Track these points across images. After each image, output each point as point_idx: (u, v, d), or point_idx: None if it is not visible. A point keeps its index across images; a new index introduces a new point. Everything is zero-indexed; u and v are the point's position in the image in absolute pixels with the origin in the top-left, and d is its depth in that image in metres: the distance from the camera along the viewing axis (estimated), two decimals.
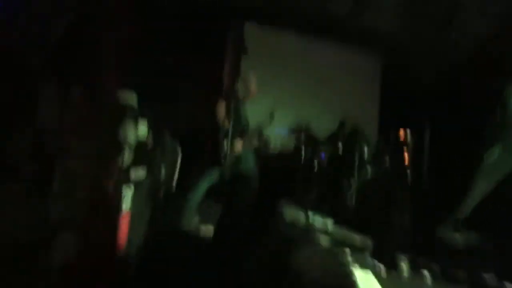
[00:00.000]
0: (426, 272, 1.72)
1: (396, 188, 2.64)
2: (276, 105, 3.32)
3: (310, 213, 2.75)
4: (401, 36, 4.80)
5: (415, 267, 1.80)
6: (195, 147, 2.89)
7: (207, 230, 2.13)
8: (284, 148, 4.25)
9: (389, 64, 5.22)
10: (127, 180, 1.06)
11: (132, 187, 1.12)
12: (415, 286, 1.65)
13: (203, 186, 2.37)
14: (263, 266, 1.37)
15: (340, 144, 3.30)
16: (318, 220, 2.67)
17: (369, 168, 2.90)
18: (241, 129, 2.74)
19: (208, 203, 2.39)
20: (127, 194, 1.09)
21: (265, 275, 1.27)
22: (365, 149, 3.06)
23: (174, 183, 2.34)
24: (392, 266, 1.77)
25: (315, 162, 3.32)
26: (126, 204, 1.08)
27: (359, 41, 5.04)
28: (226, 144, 2.50)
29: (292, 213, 2.84)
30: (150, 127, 1.59)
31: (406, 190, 2.68)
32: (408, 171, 3.25)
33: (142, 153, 1.23)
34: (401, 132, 3.39)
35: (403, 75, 5.06)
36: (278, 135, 4.19)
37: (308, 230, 2.51)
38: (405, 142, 3.23)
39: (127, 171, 1.10)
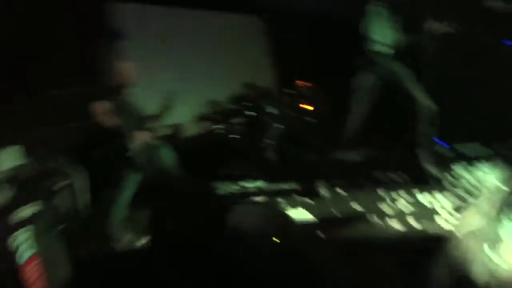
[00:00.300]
0: (340, 190, 2.11)
1: (302, 131, 3.01)
2: (175, 85, 3.15)
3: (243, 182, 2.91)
4: None
5: (331, 188, 2.17)
6: (95, 159, 2.56)
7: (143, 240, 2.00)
8: (200, 127, 4.20)
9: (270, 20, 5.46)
10: (14, 228, 0.87)
11: (24, 230, 0.94)
12: (335, 203, 1.99)
13: (124, 198, 2.15)
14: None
15: (249, 109, 3.46)
16: (250, 184, 2.87)
17: (275, 123, 3.17)
18: (137, 120, 2.49)
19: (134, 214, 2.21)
20: (22, 241, 0.91)
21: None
22: (270, 107, 3.31)
23: (86, 209, 2.05)
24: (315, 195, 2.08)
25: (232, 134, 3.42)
26: (27, 251, 0.91)
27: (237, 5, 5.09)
28: (128, 142, 2.27)
29: (226, 187, 2.96)
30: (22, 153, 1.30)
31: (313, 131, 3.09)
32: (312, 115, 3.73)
33: (21, 187, 1.01)
34: (298, 83, 3.78)
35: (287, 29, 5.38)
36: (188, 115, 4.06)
37: (243, 194, 2.68)
38: (302, 91, 3.65)
39: (8, 215, 0.89)
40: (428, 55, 2.52)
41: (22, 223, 0.95)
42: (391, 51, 1.92)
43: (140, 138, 2.36)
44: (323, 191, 2.13)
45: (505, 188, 1.47)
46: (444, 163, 2.00)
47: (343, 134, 2.07)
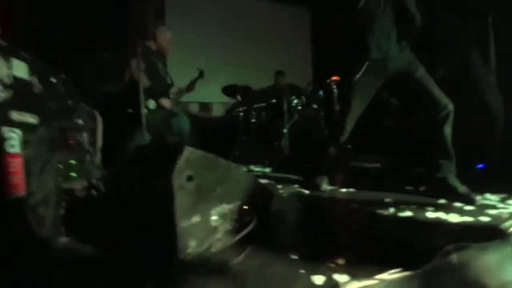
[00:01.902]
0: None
1: (319, 129, 2.89)
2: (208, 64, 3.27)
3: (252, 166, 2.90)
4: None
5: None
6: (114, 109, 2.73)
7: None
8: (223, 110, 4.28)
9: (317, 15, 5.38)
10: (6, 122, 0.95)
11: (18, 131, 1.01)
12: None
13: (134, 144, 2.27)
14: None
15: (272, 98, 3.43)
16: (257, 167, 2.84)
17: (296, 115, 3.10)
18: (164, 87, 2.67)
19: None
20: (11, 137, 0.98)
21: None
22: (294, 99, 3.24)
23: (97, 154, 2.17)
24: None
25: (252, 119, 3.42)
26: (13, 147, 0.97)
27: None
28: (150, 103, 2.41)
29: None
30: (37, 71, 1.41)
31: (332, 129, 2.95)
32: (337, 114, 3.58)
33: (25, 96, 1.10)
34: (330, 79, 3.65)
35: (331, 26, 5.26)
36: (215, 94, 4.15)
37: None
38: (330, 89, 3.51)
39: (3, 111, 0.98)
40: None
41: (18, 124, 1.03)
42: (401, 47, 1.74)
43: (163, 103, 2.54)
44: (326, 184, 2.02)
45: None
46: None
47: (337, 135, 1.92)
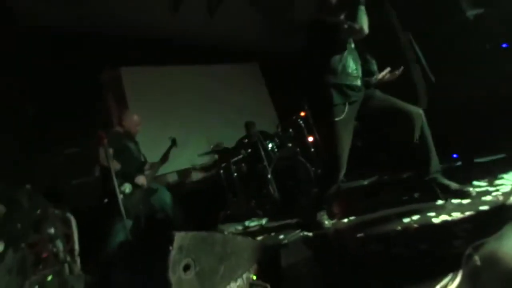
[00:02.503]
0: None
1: (301, 165, 2.92)
2: (178, 133, 3.30)
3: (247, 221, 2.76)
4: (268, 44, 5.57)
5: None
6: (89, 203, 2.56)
7: None
8: (202, 169, 4.21)
9: (267, 67, 5.92)
10: None
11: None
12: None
13: (115, 243, 2.06)
14: None
15: (248, 149, 3.47)
16: (253, 222, 2.71)
17: (275, 158, 3.12)
18: (138, 166, 2.61)
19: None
20: None
21: None
22: (268, 143, 3.31)
23: (76, 260, 1.96)
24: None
25: (234, 173, 3.38)
26: None
27: (236, 57, 5.60)
28: (125, 188, 2.29)
29: (227, 228, 2.80)
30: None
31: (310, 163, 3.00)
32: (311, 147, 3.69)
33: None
34: (294, 118, 3.82)
35: (280, 73, 5.75)
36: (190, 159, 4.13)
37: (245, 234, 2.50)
38: (298, 125, 3.66)
39: None
40: None
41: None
42: (365, 80, 1.90)
43: (138, 182, 2.45)
44: (325, 218, 1.95)
45: None
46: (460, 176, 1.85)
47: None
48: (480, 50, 2.93)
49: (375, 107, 1.83)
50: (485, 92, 2.66)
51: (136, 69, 4.69)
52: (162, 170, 3.17)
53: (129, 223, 2.16)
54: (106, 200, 2.28)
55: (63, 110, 3.81)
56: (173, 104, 4.74)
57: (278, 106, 5.67)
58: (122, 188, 2.35)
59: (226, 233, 2.69)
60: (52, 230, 1.94)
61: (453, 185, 1.69)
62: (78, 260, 2.07)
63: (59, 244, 2.06)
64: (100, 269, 1.78)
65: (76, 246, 2.06)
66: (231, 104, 5.20)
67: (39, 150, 3.45)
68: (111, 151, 2.42)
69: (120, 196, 2.02)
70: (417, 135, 1.71)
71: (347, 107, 1.76)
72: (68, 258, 2.07)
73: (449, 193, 1.67)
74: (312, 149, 3.66)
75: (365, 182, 2.89)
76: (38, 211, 1.93)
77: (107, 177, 2.06)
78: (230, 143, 3.99)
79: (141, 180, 2.49)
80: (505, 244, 1.08)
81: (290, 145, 3.42)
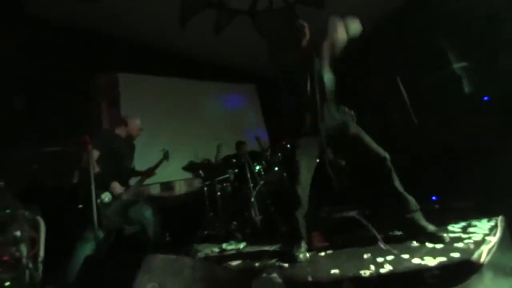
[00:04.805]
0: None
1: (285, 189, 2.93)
2: (172, 145, 3.26)
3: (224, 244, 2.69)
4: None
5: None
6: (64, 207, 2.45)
7: None
8: (187, 186, 4.14)
9: (263, 90, 6.08)
10: None
11: None
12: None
13: (81, 255, 1.95)
14: None
15: (235, 169, 3.47)
16: (230, 245, 2.64)
17: (260, 181, 3.11)
18: (124, 175, 2.52)
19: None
20: None
21: None
22: (255, 165, 3.31)
23: (38, 268, 1.86)
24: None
25: (218, 192, 3.34)
26: None
27: (234, 77, 5.76)
28: (105, 196, 2.21)
29: (203, 249, 2.72)
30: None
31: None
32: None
33: None
34: (284, 142, 3.87)
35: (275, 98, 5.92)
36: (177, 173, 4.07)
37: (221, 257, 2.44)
38: (287, 149, 3.70)
39: None
40: None
41: None
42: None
43: (113, 190, 2.32)
44: (304, 248, 1.93)
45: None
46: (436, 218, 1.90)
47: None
48: (463, 101, 3.12)
49: (346, 141, 1.89)
50: (466, 141, 2.81)
51: (134, 76, 4.73)
52: (145, 181, 3.10)
53: (100, 235, 2.07)
54: (80, 206, 2.20)
55: (50, 106, 3.74)
56: (165, 115, 4.75)
57: (270, 129, 5.76)
58: (102, 196, 2.26)
59: (201, 253, 2.61)
60: (18, 233, 1.85)
61: (429, 228, 1.72)
62: (40, 268, 1.96)
63: (23, 249, 1.95)
64: (61, 282, 1.68)
65: (41, 253, 1.96)
66: (224, 122, 5.25)
67: (17, 145, 3.34)
68: (97, 153, 2.35)
69: (96, 204, 1.95)
70: (381, 177, 1.75)
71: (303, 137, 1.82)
72: (31, 265, 1.96)
73: (423, 236, 1.69)
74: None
75: (347, 214, 2.89)
76: (7, 211, 1.84)
77: (87, 182, 1.99)
78: (211, 158, 3.95)
79: (117, 188, 2.34)
80: None
81: (276, 168, 3.44)
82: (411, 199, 1.80)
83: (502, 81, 2.80)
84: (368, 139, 1.87)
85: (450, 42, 3.47)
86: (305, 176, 1.81)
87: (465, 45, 3.35)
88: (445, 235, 1.66)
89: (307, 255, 1.90)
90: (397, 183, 1.79)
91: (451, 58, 3.38)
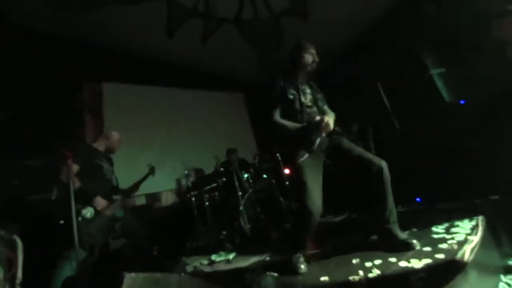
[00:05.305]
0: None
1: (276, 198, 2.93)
2: (158, 155, 3.18)
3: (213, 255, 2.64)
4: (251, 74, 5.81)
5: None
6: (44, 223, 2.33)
7: None
8: (173, 198, 4.06)
9: (251, 98, 6.12)
10: None
11: None
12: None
13: (62, 275, 1.85)
14: None
15: (223, 177, 3.43)
16: (219, 256, 2.60)
17: (249, 190, 3.09)
18: (106, 190, 2.43)
19: None
20: None
21: None
22: (244, 173, 3.30)
23: (17, 287, 1.76)
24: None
25: (206, 202, 3.29)
26: None
27: (222, 85, 5.77)
28: (87, 212, 2.12)
29: (192, 261, 2.66)
30: None
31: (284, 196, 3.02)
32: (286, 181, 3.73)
33: None
34: (272, 150, 3.88)
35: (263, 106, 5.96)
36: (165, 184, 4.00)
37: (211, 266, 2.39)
38: (275, 157, 3.72)
39: None
40: None
41: None
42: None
43: (96, 205, 2.24)
44: (304, 265, 1.89)
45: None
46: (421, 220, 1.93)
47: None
48: (441, 105, 3.25)
49: (340, 154, 1.92)
50: (446, 143, 2.91)
51: (118, 86, 4.64)
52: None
53: (82, 254, 1.98)
54: (61, 222, 2.10)
55: (31, 117, 3.61)
56: (151, 125, 4.67)
57: (258, 137, 5.77)
58: (84, 212, 2.17)
59: (190, 267, 2.54)
60: None
61: (400, 236, 1.72)
62: None
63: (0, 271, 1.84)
64: None
65: (19, 274, 1.85)
66: (212, 130, 5.22)
67: None
68: (77, 168, 2.27)
69: (78, 220, 1.87)
70: (374, 186, 1.77)
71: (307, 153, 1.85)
72: (7, 287, 1.85)
73: (395, 244, 1.69)
74: (287, 183, 3.70)
75: (335, 219, 2.92)
76: None
77: (68, 197, 1.91)
78: (206, 168, 3.93)
79: (100, 204, 2.26)
80: None
81: (265, 176, 3.44)
82: (395, 212, 1.81)
83: (476, 86, 2.94)
84: (361, 150, 1.90)
85: (428, 48, 3.63)
86: (315, 188, 1.81)
87: (442, 52, 3.51)
88: (414, 241, 1.66)
89: (306, 266, 1.84)
90: (390, 196, 1.78)
91: (428, 64, 3.53)
